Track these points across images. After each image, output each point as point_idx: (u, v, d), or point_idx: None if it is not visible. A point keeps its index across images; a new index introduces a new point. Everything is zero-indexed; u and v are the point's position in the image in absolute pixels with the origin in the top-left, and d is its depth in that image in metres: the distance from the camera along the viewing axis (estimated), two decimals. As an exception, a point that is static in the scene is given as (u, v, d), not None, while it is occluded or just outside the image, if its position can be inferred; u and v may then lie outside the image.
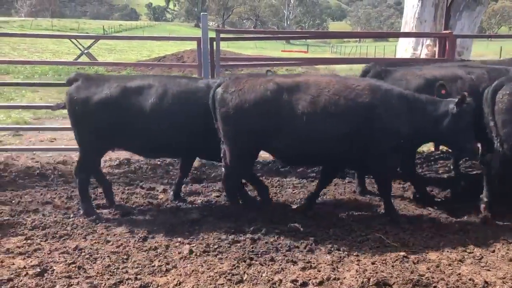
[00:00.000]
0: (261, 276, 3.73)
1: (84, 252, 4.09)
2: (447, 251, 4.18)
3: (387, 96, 4.59)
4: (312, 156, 4.80)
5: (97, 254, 4.06)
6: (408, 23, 13.80)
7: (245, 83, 4.62)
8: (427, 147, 7.95)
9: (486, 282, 3.65)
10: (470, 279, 3.69)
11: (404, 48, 14.25)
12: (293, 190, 5.85)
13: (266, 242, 4.30)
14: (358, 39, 74.58)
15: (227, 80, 4.74)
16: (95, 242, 4.30)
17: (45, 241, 4.31)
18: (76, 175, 5.05)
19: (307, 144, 4.58)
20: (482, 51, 33.01)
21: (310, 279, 3.67)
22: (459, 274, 3.78)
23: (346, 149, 4.62)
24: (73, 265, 3.84)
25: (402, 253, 4.10)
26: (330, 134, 4.50)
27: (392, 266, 3.90)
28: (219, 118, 4.65)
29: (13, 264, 3.86)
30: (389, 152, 4.67)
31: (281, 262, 3.96)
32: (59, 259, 3.94)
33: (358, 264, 3.93)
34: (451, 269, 3.86)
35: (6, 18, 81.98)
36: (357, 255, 4.10)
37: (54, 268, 3.80)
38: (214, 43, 6.69)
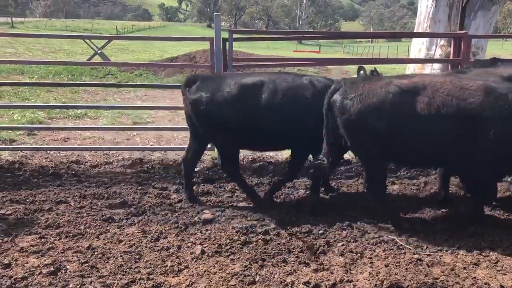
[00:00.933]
0: (273, 277, 3.72)
1: (97, 251, 4.11)
2: (462, 254, 4.13)
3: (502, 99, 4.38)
4: (425, 157, 4.72)
5: (110, 253, 4.08)
6: (422, 23, 13.69)
7: (364, 87, 4.57)
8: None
9: (502, 286, 3.60)
10: (485, 283, 3.64)
11: (417, 49, 14.13)
12: (306, 191, 5.82)
13: (278, 243, 4.29)
14: (370, 39, 74.18)
15: (343, 86, 4.70)
16: (107, 242, 4.32)
17: (58, 240, 4.34)
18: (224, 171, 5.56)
19: (423, 146, 4.50)
20: (497, 52, 32.55)
21: (322, 281, 3.65)
22: (475, 277, 3.73)
23: (458, 150, 4.46)
24: (86, 264, 3.86)
25: (416, 256, 4.06)
26: (444, 135, 4.38)
27: (406, 268, 3.86)
28: (341, 125, 4.62)
29: (27, 262, 3.89)
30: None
31: (293, 263, 3.94)
32: (72, 258, 3.97)
33: (371, 267, 3.89)
34: (466, 273, 3.80)
35: (21, 18, 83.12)
36: (370, 257, 4.06)
37: (68, 267, 3.82)
38: (227, 43, 6.68)
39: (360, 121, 4.50)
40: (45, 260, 3.91)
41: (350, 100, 4.54)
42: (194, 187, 5.84)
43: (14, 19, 71.88)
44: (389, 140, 4.49)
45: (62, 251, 4.11)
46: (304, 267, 3.88)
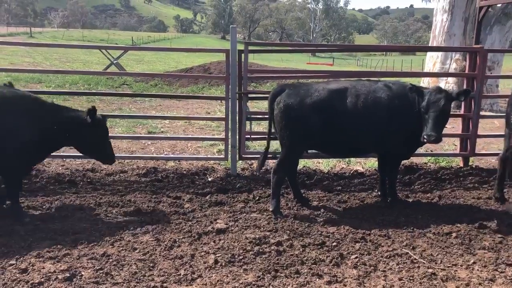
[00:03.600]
0: (286, 288, 3.71)
1: (112, 258, 4.15)
2: (477, 270, 4.08)
3: None
4: None
5: (124, 261, 4.11)
6: (437, 37, 13.70)
7: None
8: (456, 163, 7.82)
9: (518, 303, 3.55)
10: (501, 299, 3.59)
11: (432, 62, 14.13)
12: (319, 203, 5.81)
13: (292, 255, 4.28)
14: (384, 53, 74.11)
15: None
16: (122, 249, 4.36)
17: (74, 246, 4.40)
18: (274, 173, 5.40)
19: None
20: (512, 66, 32.26)
21: (335, 293, 3.64)
22: (490, 293, 3.69)
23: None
24: (101, 271, 3.90)
25: (430, 270, 4.03)
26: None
27: (420, 283, 3.83)
28: None
29: (43, 268, 3.94)
30: None
31: (306, 275, 3.93)
32: (87, 265, 4.01)
33: (385, 280, 3.87)
34: (482, 288, 3.76)
35: (40, 29, 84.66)
36: (384, 271, 4.04)
37: (83, 273, 3.87)
38: (242, 55, 6.75)
39: None
40: (61, 266, 3.96)
41: None
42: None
43: (32, 29, 73.29)
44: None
45: (78, 257, 4.15)
46: (317, 279, 3.87)
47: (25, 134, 4.81)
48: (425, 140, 5.08)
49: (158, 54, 43.89)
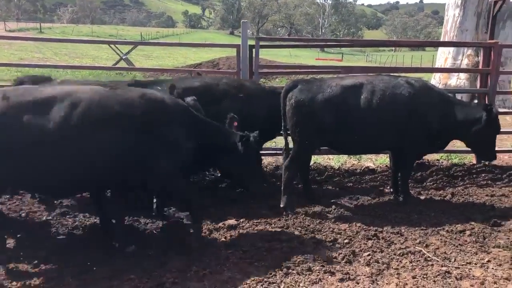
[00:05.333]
0: (298, 286, 3.69)
1: (124, 254, 4.15)
2: (492, 268, 4.02)
3: None
4: None
5: (136, 257, 4.11)
6: (448, 32, 13.52)
7: None
8: (468, 159, 7.73)
9: (534, 302, 3.49)
10: (517, 299, 3.54)
11: (443, 58, 13.97)
12: (330, 200, 5.76)
13: (303, 251, 4.25)
14: (393, 48, 73.60)
15: None
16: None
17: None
18: (286, 169, 5.38)
19: None
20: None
21: (348, 291, 3.61)
22: (506, 292, 3.63)
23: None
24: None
25: (444, 268, 3.98)
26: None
27: (434, 281, 3.78)
28: None
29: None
30: None
31: (318, 272, 3.89)
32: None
33: (398, 278, 3.82)
34: (497, 287, 3.70)
35: (49, 24, 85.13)
36: (397, 268, 4.00)
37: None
38: (253, 50, 6.71)
39: None
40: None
41: None
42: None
43: (42, 24, 73.67)
44: None
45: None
46: (329, 276, 3.84)
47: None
48: None
49: (167, 50, 43.87)
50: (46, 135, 3.62)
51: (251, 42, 6.83)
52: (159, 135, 4.01)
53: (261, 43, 7.02)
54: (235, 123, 4.73)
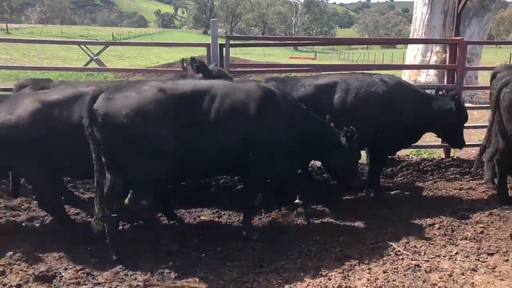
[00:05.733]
0: (271, 284, 3.69)
1: (94, 258, 4.07)
2: (460, 260, 4.11)
3: None
4: None
5: (106, 260, 4.04)
6: (417, 29, 13.77)
7: None
8: (437, 154, 7.89)
9: (500, 292, 3.59)
10: (483, 289, 3.63)
11: (413, 55, 14.22)
12: (300, 197, 5.76)
13: (276, 250, 4.26)
14: (365, 46, 74.58)
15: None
16: (105, 249, 4.27)
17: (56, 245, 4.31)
18: None
19: None
20: (490, 58, 32.76)
21: (320, 287, 3.63)
22: (472, 283, 3.72)
23: None
24: (82, 272, 3.82)
25: (414, 262, 4.05)
26: None
27: (404, 275, 3.84)
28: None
29: (22, 270, 3.84)
30: None
31: (291, 270, 3.91)
32: (68, 265, 3.93)
33: (369, 273, 3.87)
34: (464, 279, 3.79)
35: (17, 25, 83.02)
36: (368, 263, 4.05)
37: (63, 274, 3.78)
38: (224, 49, 6.69)
39: None
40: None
41: None
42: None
43: (9, 25, 71.72)
44: None
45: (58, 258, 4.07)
46: (301, 273, 3.85)
47: None
48: None
49: (139, 50, 43.30)
50: (198, 121, 4.09)
51: (222, 41, 6.81)
52: (269, 123, 4.34)
53: (232, 41, 7.01)
54: (332, 124, 4.84)
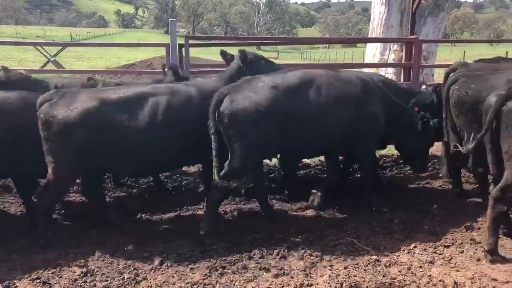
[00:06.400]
0: (234, 285, 3.68)
1: (51, 265, 3.94)
2: (418, 253, 4.22)
3: None
4: None
5: (64, 268, 3.92)
6: (375, 29, 14.01)
7: None
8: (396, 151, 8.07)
9: (455, 282, 3.69)
10: (440, 280, 3.73)
11: (372, 54, 14.46)
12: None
13: (239, 250, 4.25)
14: (327, 45, 75.60)
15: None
16: (62, 255, 4.15)
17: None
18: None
19: None
20: (446, 56, 33.90)
21: (283, 286, 3.65)
22: (430, 275, 3.82)
23: None
24: (38, 281, 3.69)
25: (374, 257, 4.12)
26: None
27: (365, 270, 3.91)
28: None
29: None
30: None
31: (253, 269, 3.91)
32: (23, 274, 3.79)
33: (331, 269, 3.92)
34: (422, 271, 3.89)
35: (-32, 25, 79.54)
36: (330, 260, 4.10)
37: (17, 284, 3.65)
38: (183, 49, 6.63)
39: None
40: None
41: None
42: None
43: (-41, 26, 68.64)
44: None
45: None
46: (264, 273, 3.86)
47: None
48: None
49: (99, 51, 42.28)
50: (309, 108, 4.69)
51: (182, 41, 6.74)
52: (367, 110, 4.95)
53: (191, 41, 6.95)
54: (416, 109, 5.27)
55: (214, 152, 4.30)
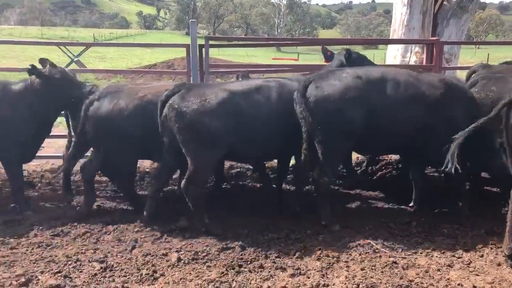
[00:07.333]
0: (250, 283, 3.70)
1: (72, 260, 4.03)
2: (436, 256, 4.18)
3: None
4: None
5: (84, 263, 4.00)
6: (396, 30, 13.87)
7: None
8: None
9: (474, 287, 3.66)
10: (459, 284, 3.69)
11: (393, 55, 14.32)
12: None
13: (255, 249, 4.27)
14: (348, 47, 75.12)
15: None
16: (82, 251, 4.24)
17: (31, 249, 4.25)
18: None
19: None
20: (469, 59, 33.34)
21: (299, 286, 3.65)
22: (448, 279, 3.78)
23: None
24: (59, 274, 3.78)
25: (391, 259, 4.10)
26: None
27: (382, 272, 3.89)
28: None
29: (-2, 274, 3.79)
30: None
31: (270, 269, 3.93)
32: (45, 268, 3.88)
33: (347, 270, 3.91)
34: (440, 274, 3.85)
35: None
36: (346, 261, 4.09)
37: (39, 277, 3.74)
38: (203, 50, 6.68)
39: None
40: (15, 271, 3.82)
41: None
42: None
43: (-13, 26, 70.37)
44: None
45: (34, 261, 4.02)
46: (280, 272, 3.87)
47: None
48: None
49: (121, 51, 42.87)
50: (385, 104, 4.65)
51: (202, 42, 6.79)
52: (447, 112, 4.79)
53: (212, 42, 7.00)
54: None
55: (305, 145, 4.56)
